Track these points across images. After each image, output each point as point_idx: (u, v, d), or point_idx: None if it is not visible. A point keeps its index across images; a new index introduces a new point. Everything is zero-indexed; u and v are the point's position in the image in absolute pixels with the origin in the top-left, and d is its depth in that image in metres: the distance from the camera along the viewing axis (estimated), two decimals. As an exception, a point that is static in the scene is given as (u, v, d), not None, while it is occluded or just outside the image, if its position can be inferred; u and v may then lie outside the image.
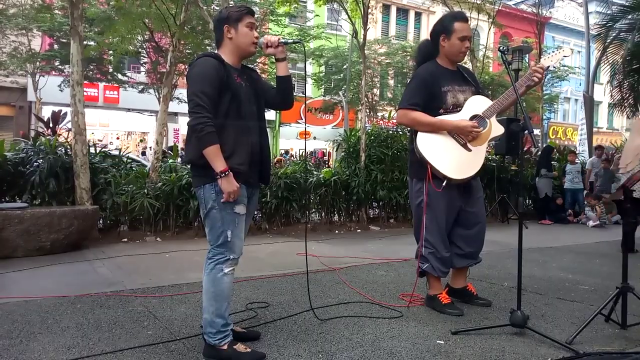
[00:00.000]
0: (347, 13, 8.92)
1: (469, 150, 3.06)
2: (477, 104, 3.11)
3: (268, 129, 22.08)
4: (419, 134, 3.10)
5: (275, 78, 2.64)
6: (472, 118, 3.07)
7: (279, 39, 2.52)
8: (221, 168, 2.26)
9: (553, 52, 3.20)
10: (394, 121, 9.63)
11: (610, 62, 12.03)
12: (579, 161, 10.26)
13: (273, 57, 2.60)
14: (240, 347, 2.36)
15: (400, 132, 8.17)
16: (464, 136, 3.05)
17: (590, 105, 14.38)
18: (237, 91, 2.39)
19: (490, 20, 10.48)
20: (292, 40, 2.72)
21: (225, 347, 2.33)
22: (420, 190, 3.15)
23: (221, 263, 2.36)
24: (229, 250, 2.36)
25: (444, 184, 3.04)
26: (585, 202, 9.48)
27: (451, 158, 3.05)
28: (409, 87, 3.23)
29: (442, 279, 3.29)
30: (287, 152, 20.69)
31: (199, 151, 2.29)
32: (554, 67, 19.57)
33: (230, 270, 2.39)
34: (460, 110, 3.10)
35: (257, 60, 15.78)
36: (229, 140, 2.33)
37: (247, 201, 2.47)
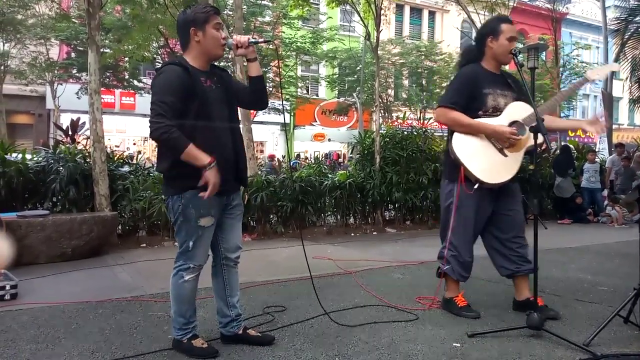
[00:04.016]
0: (359, 15, 8.93)
1: (505, 155, 3.01)
2: (517, 110, 3.05)
3: (283, 132, 22.12)
4: (455, 135, 3.07)
5: (248, 79, 2.61)
6: (512, 124, 3.01)
7: (248, 38, 2.49)
8: (207, 160, 2.26)
9: (600, 66, 3.19)
10: (409, 122, 9.62)
11: (629, 57, 11.82)
12: (597, 160, 10.11)
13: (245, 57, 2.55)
14: (197, 342, 2.51)
15: (415, 133, 8.15)
16: (502, 142, 3.00)
17: (609, 102, 14.14)
18: (205, 96, 2.37)
19: None
20: (262, 40, 2.68)
21: (185, 341, 2.50)
22: (451, 192, 3.13)
23: (183, 270, 2.46)
24: (190, 258, 2.45)
25: (475, 186, 3.01)
26: (606, 203, 9.36)
27: (485, 161, 3.01)
28: (451, 86, 3.21)
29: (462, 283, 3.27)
30: (299, 155, 20.71)
31: (170, 162, 2.34)
32: (571, 63, 19.30)
33: (191, 277, 2.47)
34: (499, 114, 3.05)
35: (271, 64, 15.85)
36: (201, 149, 2.31)
37: (222, 209, 2.50)
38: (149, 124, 2.27)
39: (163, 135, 2.23)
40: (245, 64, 2.59)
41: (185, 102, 2.30)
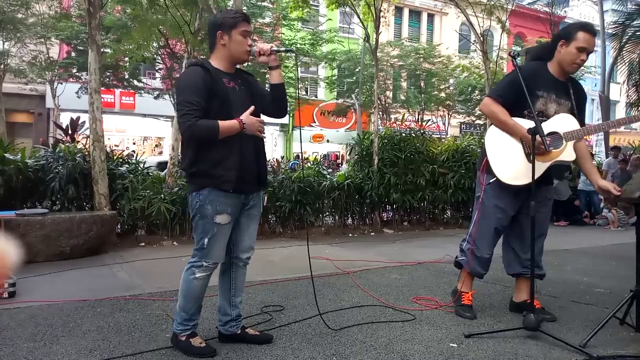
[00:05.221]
0: (359, 17, 8.94)
1: (530, 162, 2.97)
2: (563, 122, 2.99)
3: (281, 133, 22.03)
4: (492, 127, 3.11)
5: (269, 86, 2.65)
6: (550, 134, 2.95)
7: (271, 47, 2.54)
8: (239, 124, 2.37)
9: None
10: (407, 124, 9.64)
11: (626, 61, 11.88)
12: (595, 162, 10.14)
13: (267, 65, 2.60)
14: (196, 341, 2.52)
15: (413, 135, 8.17)
16: (531, 148, 2.92)
17: (606, 105, 14.20)
18: (226, 96, 2.42)
19: (501, 25, 10.42)
20: (284, 49, 2.73)
21: (184, 338, 2.51)
22: (480, 184, 3.17)
23: (196, 267, 2.50)
24: (205, 256, 2.48)
25: (491, 180, 3.05)
26: (603, 205, 9.39)
27: (508, 161, 3.02)
28: (504, 79, 3.19)
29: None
30: (298, 156, 20.74)
31: (189, 160, 2.41)
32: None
33: (203, 275, 2.50)
34: (545, 120, 3.00)
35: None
36: (219, 148, 2.38)
37: (240, 208, 2.53)
38: (179, 124, 2.36)
39: (194, 132, 2.32)
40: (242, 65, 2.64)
41: (208, 101, 2.37)
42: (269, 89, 2.67)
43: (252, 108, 2.44)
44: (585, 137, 3.12)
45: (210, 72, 2.41)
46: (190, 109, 2.30)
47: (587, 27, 2.99)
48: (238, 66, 2.62)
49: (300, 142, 3.68)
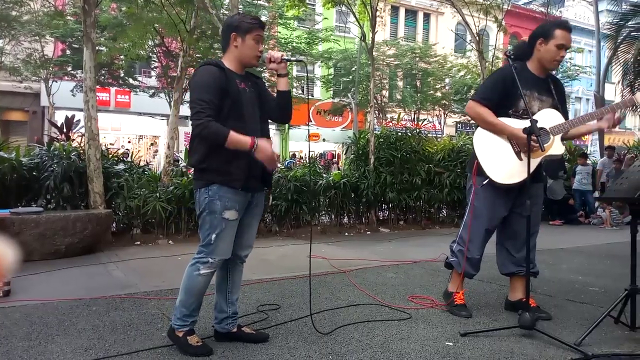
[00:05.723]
0: (355, 16, 8.95)
1: (521, 159, 2.99)
2: (548, 118, 3.02)
3: (278, 132, 21.94)
4: (479, 129, 3.13)
5: (276, 93, 2.69)
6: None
7: (282, 55, 2.58)
8: (249, 143, 2.36)
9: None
10: (403, 123, 9.66)
11: (621, 61, 11.95)
12: (589, 162, 10.20)
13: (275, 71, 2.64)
14: (193, 339, 2.51)
15: (409, 134, 8.19)
16: (520, 145, 2.98)
17: (601, 105, 14.27)
18: (238, 96, 2.46)
19: (497, 23, 10.45)
20: (295, 58, 2.81)
21: (181, 334, 2.51)
22: (471, 186, 3.18)
23: (201, 263, 2.50)
24: (211, 252, 2.48)
25: (484, 182, 3.06)
26: (597, 204, 9.44)
27: (499, 161, 3.04)
28: (487, 81, 3.23)
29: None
30: (294, 155, 20.76)
31: (199, 156, 2.43)
32: (564, 66, 19.44)
33: (207, 272, 2.50)
34: (529, 118, 2.98)
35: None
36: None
37: (245, 206, 2.55)
38: (191, 121, 2.38)
39: (203, 132, 2.35)
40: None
41: (221, 100, 2.40)
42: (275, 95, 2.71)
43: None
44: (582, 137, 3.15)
45: (224, 71, 2.45)
46: (203, 107, 2.34)
47: (564, 25, 3.06)
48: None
49: (308, 141, 3.70)
